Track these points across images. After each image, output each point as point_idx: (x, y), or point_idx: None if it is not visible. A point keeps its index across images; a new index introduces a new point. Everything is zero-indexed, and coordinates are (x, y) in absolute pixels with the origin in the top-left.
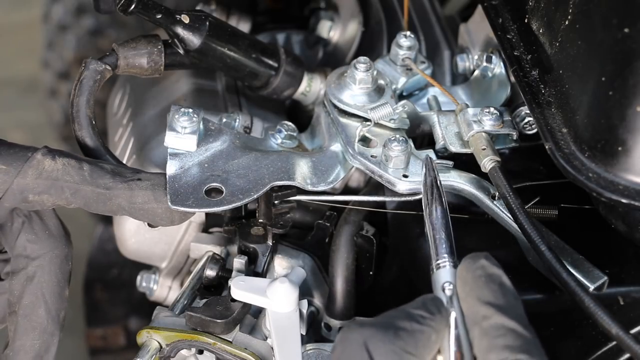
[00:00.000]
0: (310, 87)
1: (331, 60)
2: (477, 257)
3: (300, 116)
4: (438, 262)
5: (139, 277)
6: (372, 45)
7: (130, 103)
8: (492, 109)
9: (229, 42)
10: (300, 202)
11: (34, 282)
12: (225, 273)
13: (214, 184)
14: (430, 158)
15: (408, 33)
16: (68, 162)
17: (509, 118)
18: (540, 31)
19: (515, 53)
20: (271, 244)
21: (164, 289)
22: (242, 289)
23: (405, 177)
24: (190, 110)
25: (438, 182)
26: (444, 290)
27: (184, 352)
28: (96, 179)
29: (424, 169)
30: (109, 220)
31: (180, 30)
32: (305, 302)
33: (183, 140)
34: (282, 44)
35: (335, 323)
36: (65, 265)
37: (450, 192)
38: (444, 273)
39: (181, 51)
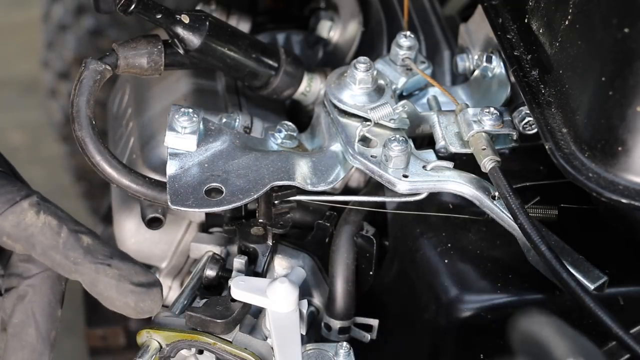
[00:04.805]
0: (310, 87)
1: (331, 60)
2: None
3: (300, 116)
4: None
5: None
6: (372, 45)
7: (130, 103)
8: (492, 109)
9: (229, 42)
10: (300, 202)
11: (25, 302)
12: (225, 273)
13: (214, 184)
14: None
15: (408, 33)
16: (49, 223)
17: (509, 118)
18: (540, 31)
19: (515, 53)
20: (271, 244)
21: (164, 289)
22: (242, 289)
23: (405, 177)
24: (190, 110)
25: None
26: None
27: (184, 352)
28: (68, 249)
29: None
30: (109, 220)
31: (180, 30)
32: (305, 302)
33: (183, 140)
34: (282, 44)
35: (335, 323)
36: (58, 285)
37: (450, 192)
38: None
39: (181, 51)
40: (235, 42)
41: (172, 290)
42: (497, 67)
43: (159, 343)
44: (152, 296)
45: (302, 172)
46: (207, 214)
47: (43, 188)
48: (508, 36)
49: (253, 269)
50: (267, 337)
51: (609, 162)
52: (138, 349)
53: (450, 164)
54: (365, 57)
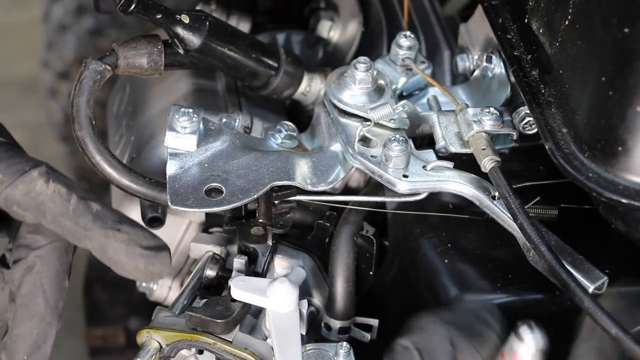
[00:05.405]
0: (310, 87)
1: (331, 60)
2: None
3: (300, 116)
4: None
5: None
6: (372, 45)
7: (130, 103)
8: (492, 109)
9: (229, 42)
10: (300, 202)
11: (33, 272)
12: (225, 273)
13: (214, 184)
14: None
15: (408, 33)
16: (59, 190)
17: (509, 118)
18: (540, 31)
19: (515, 53)
20: (271, 244)
21: (164, 289)
22: (242, 289)
23: (405, 177)
24: (190, 110)
25: None
26: None
27: (184, 352)
28: (78, 216)
29: None
30: None
31: (180, 30)
32: (305, 302)
33: (183, 140)
34: (282, 44)
35: (335, 323)
36: (65, 257)
37: (450, 192)
38: None
39: (181, 51)
40: (235, 42)
41: (172, 290)
42: (497, 67)
43: (159, 343)
44: (161, 259)
45: (302, 172)
46: (207, 214)
47: None
48: (508, 36)
49: (253, 269)
50: (267, 337)
51: (609, 162)
52: (138, 349)
53: (450, 164)
54: (365, 57)
